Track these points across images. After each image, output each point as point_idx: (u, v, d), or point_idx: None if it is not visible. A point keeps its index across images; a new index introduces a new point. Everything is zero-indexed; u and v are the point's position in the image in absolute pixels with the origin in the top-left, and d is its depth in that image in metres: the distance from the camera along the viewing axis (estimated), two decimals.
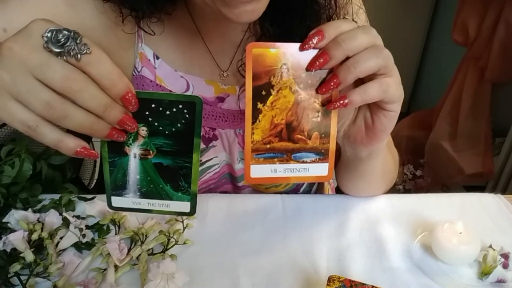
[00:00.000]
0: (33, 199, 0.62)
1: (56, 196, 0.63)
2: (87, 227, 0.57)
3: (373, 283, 0.47)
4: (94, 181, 1.08)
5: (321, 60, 0.40)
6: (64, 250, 0.55)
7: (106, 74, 0.36)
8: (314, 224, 0.62)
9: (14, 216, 0.56)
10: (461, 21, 1.69)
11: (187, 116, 0.40)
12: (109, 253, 0.53)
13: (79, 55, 0.35)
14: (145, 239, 0.57)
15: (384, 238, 0.60)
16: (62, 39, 0.35)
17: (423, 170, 1.94)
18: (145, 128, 0.41)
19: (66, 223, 0.56)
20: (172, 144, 0.42)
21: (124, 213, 0.60)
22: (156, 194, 0.44)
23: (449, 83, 1.85)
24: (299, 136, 0.43)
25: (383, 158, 0.59)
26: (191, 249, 0.57)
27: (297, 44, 0.40)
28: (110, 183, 0.44)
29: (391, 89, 0.43)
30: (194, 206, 0.45)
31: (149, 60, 0.62)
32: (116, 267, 0.53)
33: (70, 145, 0.38)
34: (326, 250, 0.57)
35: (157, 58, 0.62)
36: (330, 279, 0.47)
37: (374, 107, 0.47)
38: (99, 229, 0.58)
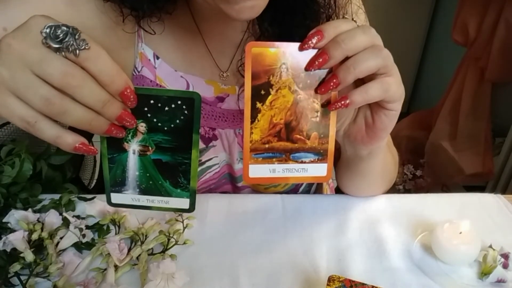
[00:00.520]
0: (33, 199, 0.62)
1: (56, 196, 0.63)
2: (87, 227, 0.57)
3: (373, 283, 0.47)
4: (94, 181, 1.08)
5: (320, 60, 0.40)
6: (64, 250, 0.55)
7: (105, 70, 0.36)
8: (314, 224, 0.62)
9: (14, 216, 0.56)
10: (461, 21, 1.69)
11: (185, 112, 0.40)
12: (109, 253, 0.53)
13: (77, 51, 0.35)
14: (145, 239, 0.57)
15: (384, 238, 0.60)
16: (61, 35, 0.35)
17: (423, 170, 1.94)
18: (144, 124, 0.41)
19: (66, 223, 0.56)
20: (171, 140, 0.42)
21: (124, 213, 0.60)
22: (155, 191, 0.44)
23: (449, 83, 1.85)
24: (298, 136, 0.43)
25: (383, 157, 0.59)
26: (191, 249, 0.57)
27: (297, 44, 0.40)
28: (109, 179, 0.44)
29: (392, 88, 0.43)
30: (193, 203, 0.45)
31: (149, 60, 0.62)
32: (116, 267, 0.53)
33: (69, 141, 0.38)
34: (326, 250, 0.57)
35: (157, 58, 0.62)
36: (330, 279, 0.47)
37: (375, 106, 0.47)
38: (99, 229, 0.58)
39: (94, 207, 0.60)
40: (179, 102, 0.40)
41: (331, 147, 0.44)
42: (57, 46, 0.35)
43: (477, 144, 1.71)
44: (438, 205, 0.67)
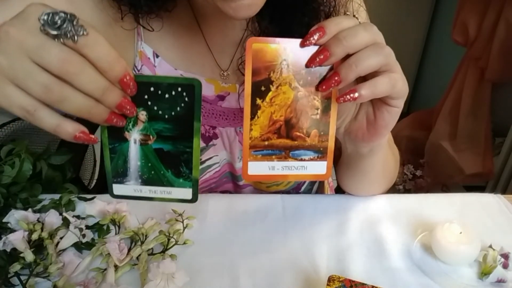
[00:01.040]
0: (33, 199, 0.62)
1: (56, 196, 0.62)
2: (87, 227, 0.57)
3: (373, 283, 0.47)
4: (94, 181, 1.08)
5: (322, 57, 0.40)
6: (64, 250, 0.55)
7: (104, 56, 0.36)
8: (314, 224, 0.62)
9: (14, 216, 0.56)
10: (461, 21, 1.69)
11: (186, 99, 0.40)
12: (109, 253, 0.53)
13: (76, 37, 0.34)
14: (145, 239, 0.57)
15: (384, 238, 0.59)
16: (59, 21, 0.34)
17: (423, 170, 1.94)
18: (144, 113, 0.40)
19: (66, 223, 0.56)
20: (172, 128, 0.41)
21: (124, 213, 0.60)
22: (157, 181, 0.44)
23: (449, 83, 1.85)
24: (298, 134, 0.43)
25: (384, 154, 0.59)
26: (191, 249, 0.57)
27: (298, 40, 0.40)
28: (111, 170, 0.43)
29: (398, 84, 0.43)
30: (196, 193, 0.44)
31: (149, 58, 0.62)
32: (116, 267, 0.53)
33: (69, 129, 0.37)
34: (326, 250, 0.57)
35: (157, 56, 0.62)
36: (330, 279, 0.47)
37: (378, 103, 0.47)
38: (99, 229, 0.58)
39: (94, 207, 0.60)
40: (179, 89, 0.39)
41: (331, 145, 0.44)
42: (55, 32, 0.34)
43: (477, 144, 1.71)
44: (438, 205, 0.66)
